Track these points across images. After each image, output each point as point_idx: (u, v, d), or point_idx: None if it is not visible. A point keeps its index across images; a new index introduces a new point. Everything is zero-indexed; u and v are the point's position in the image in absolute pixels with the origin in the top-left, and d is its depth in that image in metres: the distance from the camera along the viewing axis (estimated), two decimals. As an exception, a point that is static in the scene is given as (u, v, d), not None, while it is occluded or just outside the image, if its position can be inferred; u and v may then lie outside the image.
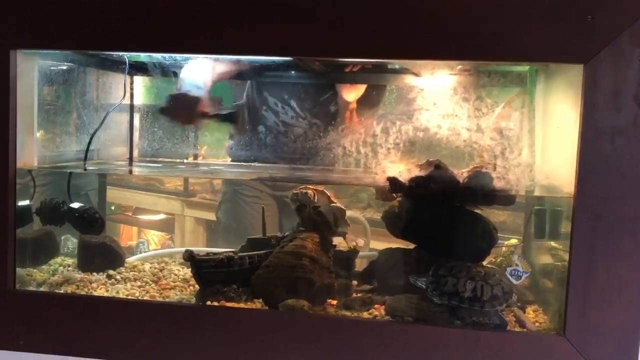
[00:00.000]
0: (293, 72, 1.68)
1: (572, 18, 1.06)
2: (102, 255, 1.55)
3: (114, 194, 3.14)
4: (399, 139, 1.31)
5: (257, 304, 1.30)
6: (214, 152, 1.93)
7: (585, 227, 1.08)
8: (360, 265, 1.53)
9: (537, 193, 1.36)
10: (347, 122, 1.69)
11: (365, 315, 1.28)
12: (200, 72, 1.53)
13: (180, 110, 1.46)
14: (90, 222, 1.49)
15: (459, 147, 1.27)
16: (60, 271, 1.53)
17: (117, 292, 1.41)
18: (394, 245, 1.44)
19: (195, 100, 1.45)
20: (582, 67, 1.06)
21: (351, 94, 1.73)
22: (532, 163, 1.33)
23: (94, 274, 1.51)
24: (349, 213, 2.08)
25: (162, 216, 3.37)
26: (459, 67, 1.36)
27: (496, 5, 1.07)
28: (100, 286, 1.44)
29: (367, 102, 1.73)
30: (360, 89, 1.72)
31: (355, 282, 1.44)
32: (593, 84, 1.06)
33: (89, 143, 1.55)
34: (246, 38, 1.14)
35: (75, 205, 1.51)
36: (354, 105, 1.73)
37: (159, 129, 1.76)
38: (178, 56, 1.43)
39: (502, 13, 1.07)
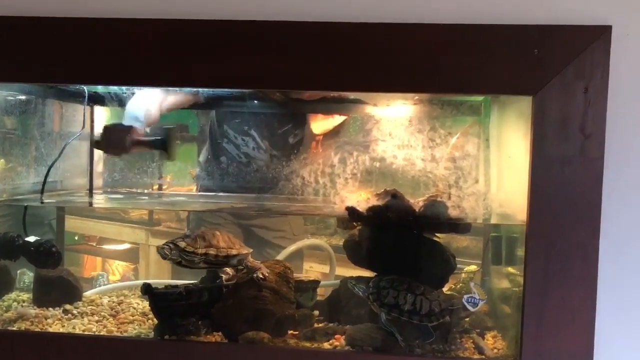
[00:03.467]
0: (255, 102, 1.70)
1: (520, 51, 1.09)
2: (59, 290, 1.51)
3: (77, 224, 3.08)
4: (357, 169, 1.33)
5: (217, 337, 1.28)
6: (179, 182, 1.92)
7: (539, 254, 1.11)
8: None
9: (492, 221, 1.39)
10: (313, 154, 1.71)
11: (326, 345, 1.28)
12: (144, 103, 1.54)
13: (113, 140, 1.49)
14: (47, 255, 1.46)
15: (415, 177, 1.30)
16: (14, 307, 1.49)
17: (74, 328, 1.37)
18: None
19: (126, 130, 1.47)
20: (531, 98, 1.10)
21: (319, 127, 1.75)
22: (487, 192, 1.36)
23: (50, 309, 1.47)
24: (314, 241, 2.09)
25: (126, 246, 3.31)
26: (416, 97, 1.39)
27: (449, 40, 1.10)
28: (56, 322, 1.40)
29: (331, 134, 1.75)
30: (329, 123, 1.74)
31: (316, 312, 1.44)
32: (541, 115, 1.10)
33: (47, 175, 1.52)
34: (208, 71, 1.15)
35: (31, 238, 1.47)
36: (320, 138, 1.76)
37: (122, 159, 1.75)
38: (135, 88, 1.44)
39: (454, 46, 1.10)
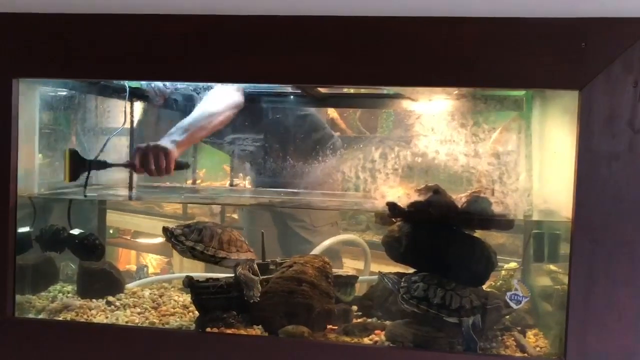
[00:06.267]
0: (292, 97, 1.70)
1: (566, 45, 1.07)
2: (102, 282, 1.55)
3: (112, 218, 3.12)
4: (398, 164, 1.33)
5: (257, 331, 1.29)
6: (213, 176, 1.94)
7: (584, 252, 1.09)
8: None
9: (535, 217, 1.37)
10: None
11: (365, 341, 1.28)
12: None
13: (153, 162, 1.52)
14: (91, 248, 1.49)
15: (457, 172, 1.28)
16: (59, 298, 1.53)
17: (117, 319, 1.40)
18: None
19: (166, 152, 1.50)
20: (577, 93, 1.08)
21: None
22: (530, 188, 1.34)
23: (93, 300, 1.50)
24: (349, 236, 2.08)
25: (160, 240, 3.35)
26: (456, 92, 1.37)
27: (492, 33, 1.09)
28: (99, 313, 1.43)
29: None
30: None
31: (355, 307, 1.44)
32: (588, 110, 1.08)
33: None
34: (247, 67, 1.16)
35: (76, 231, 1.51)
36: None
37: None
38: (179, 84, 1.45)
39: (498, 40, 1.09)
